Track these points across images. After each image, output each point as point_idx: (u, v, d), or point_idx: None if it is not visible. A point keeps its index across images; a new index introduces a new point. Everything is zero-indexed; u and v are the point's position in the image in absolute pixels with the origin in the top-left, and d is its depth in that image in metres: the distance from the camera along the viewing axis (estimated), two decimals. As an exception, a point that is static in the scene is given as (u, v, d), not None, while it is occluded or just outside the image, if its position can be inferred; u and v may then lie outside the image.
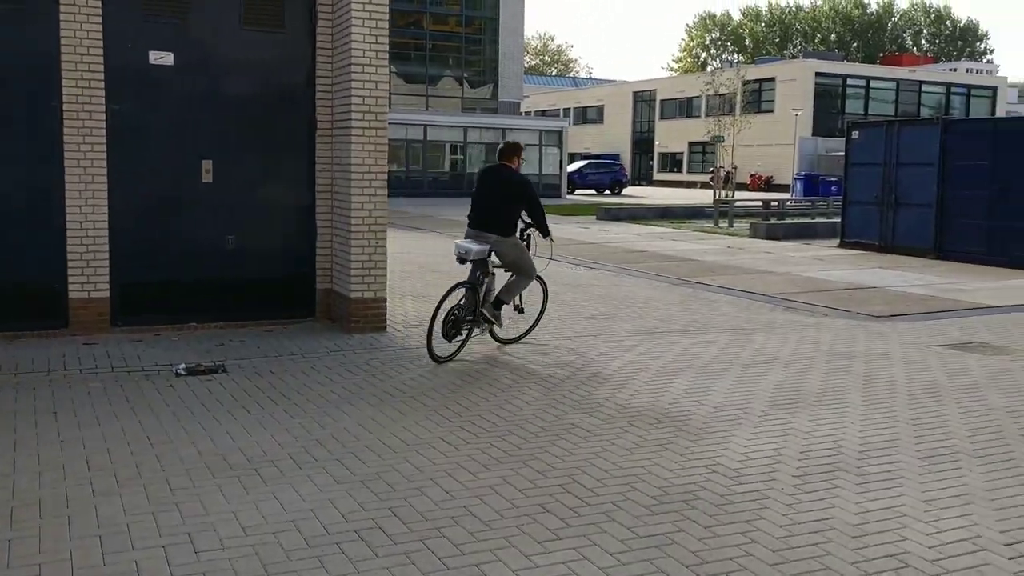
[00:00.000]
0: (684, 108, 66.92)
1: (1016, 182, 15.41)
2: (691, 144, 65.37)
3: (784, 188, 49.16)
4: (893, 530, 4.39)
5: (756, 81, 59.42)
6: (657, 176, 68.58)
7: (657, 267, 15.24)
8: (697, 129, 59.99)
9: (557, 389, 6.94)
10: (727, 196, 26.97)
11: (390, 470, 5.08)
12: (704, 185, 51.08)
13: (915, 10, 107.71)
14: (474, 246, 7.92)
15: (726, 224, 25.29)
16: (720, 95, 44.69)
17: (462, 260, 8.01)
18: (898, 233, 17.56)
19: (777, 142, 54.91)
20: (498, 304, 8.18)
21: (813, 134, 53.89)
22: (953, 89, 64.45)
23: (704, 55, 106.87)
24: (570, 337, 8.98)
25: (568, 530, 4.33)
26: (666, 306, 11.08)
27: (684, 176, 65.15)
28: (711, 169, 44.57)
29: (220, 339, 8.46)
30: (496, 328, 8.35)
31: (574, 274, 14.00)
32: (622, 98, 74.48)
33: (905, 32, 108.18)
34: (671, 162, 69.03)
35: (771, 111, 58.39)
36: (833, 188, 37.82)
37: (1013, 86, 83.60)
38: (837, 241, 19.28)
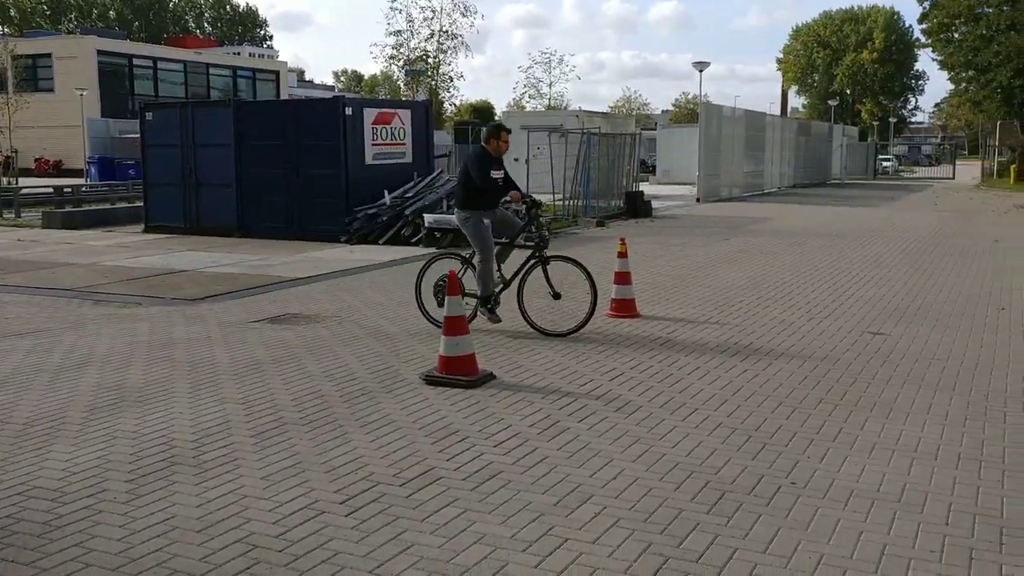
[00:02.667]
0: (-57, 84, 58.64)
1: (305, 160, 16.59)
2: (-41, 126, 57.67)
3: (78, 173, 46.19)
4: (237, 514, 4.33)
5: (30, 57, 54.56)
6: (-84, 163, 59.14)
7: (-67, 268, 13.07)
8: (-37, 109, 52.96)
9: None
10: (11, 183, 24.30)
11: None
12: (-17, 172, 45.51)
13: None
14: (432, 216, 9.51)
15: (12, 215, 22.89)
16: (-13, 71, 40.16)
17: (428, 230, 9.54)
18: (203, 214, 17.69)
19: (63, 123, 51.30)
20: (484, 301, 8.27)
21: (103, 115, 51.53)
22: (239, 72, 67.05)
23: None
24: None
25: None
26: (-50, 313, 9.53)
27: (-46, 162, 57.28)
28: (-11, 154, 39.83)
29: None
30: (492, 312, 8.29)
31: None
32: None
33: (188, 14, 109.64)
34: (-68, 146, 60.11)
35: (52, 90, 54.28)
36: (131, 171, 36.86)
37: (292, 71, 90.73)
38: (142, 226, 18.70)
